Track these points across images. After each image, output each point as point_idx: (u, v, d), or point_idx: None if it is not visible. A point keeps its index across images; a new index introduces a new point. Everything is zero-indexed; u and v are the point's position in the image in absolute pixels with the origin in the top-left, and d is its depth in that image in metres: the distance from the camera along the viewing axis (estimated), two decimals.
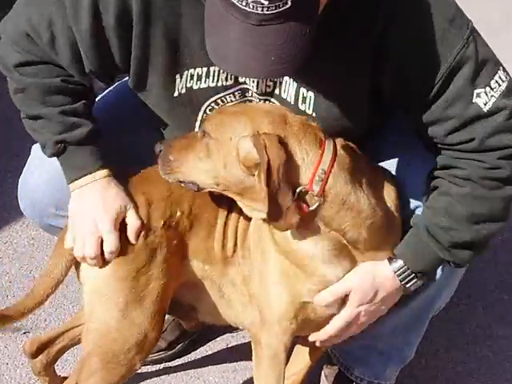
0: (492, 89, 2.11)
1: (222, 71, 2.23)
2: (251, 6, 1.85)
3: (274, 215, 2.07)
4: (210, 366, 2.92)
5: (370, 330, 2.38)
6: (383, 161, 2.37)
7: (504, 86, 2.12)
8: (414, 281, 2.23)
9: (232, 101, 2.28)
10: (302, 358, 2.61)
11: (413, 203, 2.30)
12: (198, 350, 2.97)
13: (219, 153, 2.13)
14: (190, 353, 2.96)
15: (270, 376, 2.31)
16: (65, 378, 2.50)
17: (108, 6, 2.14)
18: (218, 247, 2.34)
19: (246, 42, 1.91)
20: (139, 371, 2.62)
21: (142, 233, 2.24)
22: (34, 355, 2.56)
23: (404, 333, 2.51)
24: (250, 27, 1.88)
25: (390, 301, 2.28)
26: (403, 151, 2.37)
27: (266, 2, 1.84)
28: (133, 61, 2.24)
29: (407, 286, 2.23)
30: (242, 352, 2.92)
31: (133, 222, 2.25)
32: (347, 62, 2.15)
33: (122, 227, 2.25)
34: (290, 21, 1.89)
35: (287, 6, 1.85)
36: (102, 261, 2.23)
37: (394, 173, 2.34)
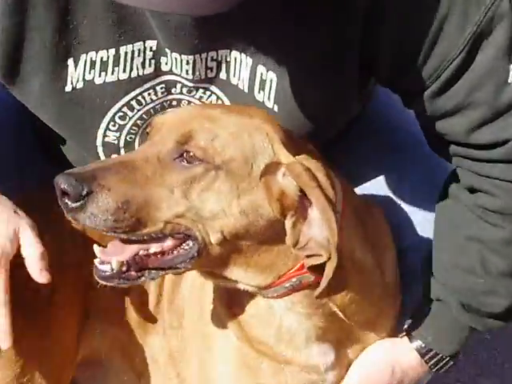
0: None
1: (137, 53, 1.59)
2: None
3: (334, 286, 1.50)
4: None
5: None
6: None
7: None
8: (448, 364, 1.79)
9: (152, 100, 1.66)
10: None
11: (407, 240, 1.83)
12: None
13: (231, 186, 1.46)
14: None
15: None
16: None
17: None
18: (134, 303, 1.80)
19: None
20: None
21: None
22: None
23: None
24: None
25: None
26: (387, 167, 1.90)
27: None
28: (1, 32, 1.61)
29: (437, 368, 1.79)
30: None
31: (32, 252, 1.59)
32: (327, 27, 1.61)
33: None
34: None
35: None
36: None
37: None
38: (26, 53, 1.63)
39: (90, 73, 1.64)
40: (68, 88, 1.65)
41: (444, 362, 1.77)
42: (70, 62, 1.64)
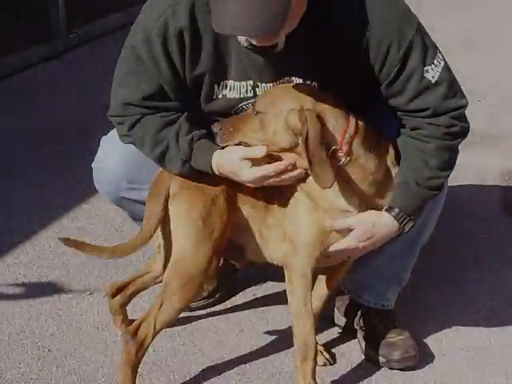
0: (436, 65, 2.79)
1: (244, 85, 2.89)
2: None
3: (315, 169, 2.69)
4: (244, 311, 3.52)
5: (372, 259, 3.10)
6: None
7: (443, 63, 2.80)
8: (410, 223, 2.89)
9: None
10: (321, 287, 3.20)
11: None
12: (233, 299, 3.57)
13: (270, 123, 2.73)
14: (224, 301, 3.54)
15: (301, 292, 2.88)
16: (133, 321, 2.96)
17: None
18: (260, 194, 2.91)
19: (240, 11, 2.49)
20: (189, 314, 3.34)
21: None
22: (113, 295, 3.18)
23: (401, 258, 3.17)
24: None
25: (384, 240, 2.93)
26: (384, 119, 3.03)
27: None
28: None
29: (405, 227, 2.89)
30: (268, 301, 3.55)
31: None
32: (336, 56, 2.79)
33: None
34: None
35: None
36: None
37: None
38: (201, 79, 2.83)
39: (223, 91, 2.87)
40: (214, 96, 2.88)
41: (407, 219, 2.85)
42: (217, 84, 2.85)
